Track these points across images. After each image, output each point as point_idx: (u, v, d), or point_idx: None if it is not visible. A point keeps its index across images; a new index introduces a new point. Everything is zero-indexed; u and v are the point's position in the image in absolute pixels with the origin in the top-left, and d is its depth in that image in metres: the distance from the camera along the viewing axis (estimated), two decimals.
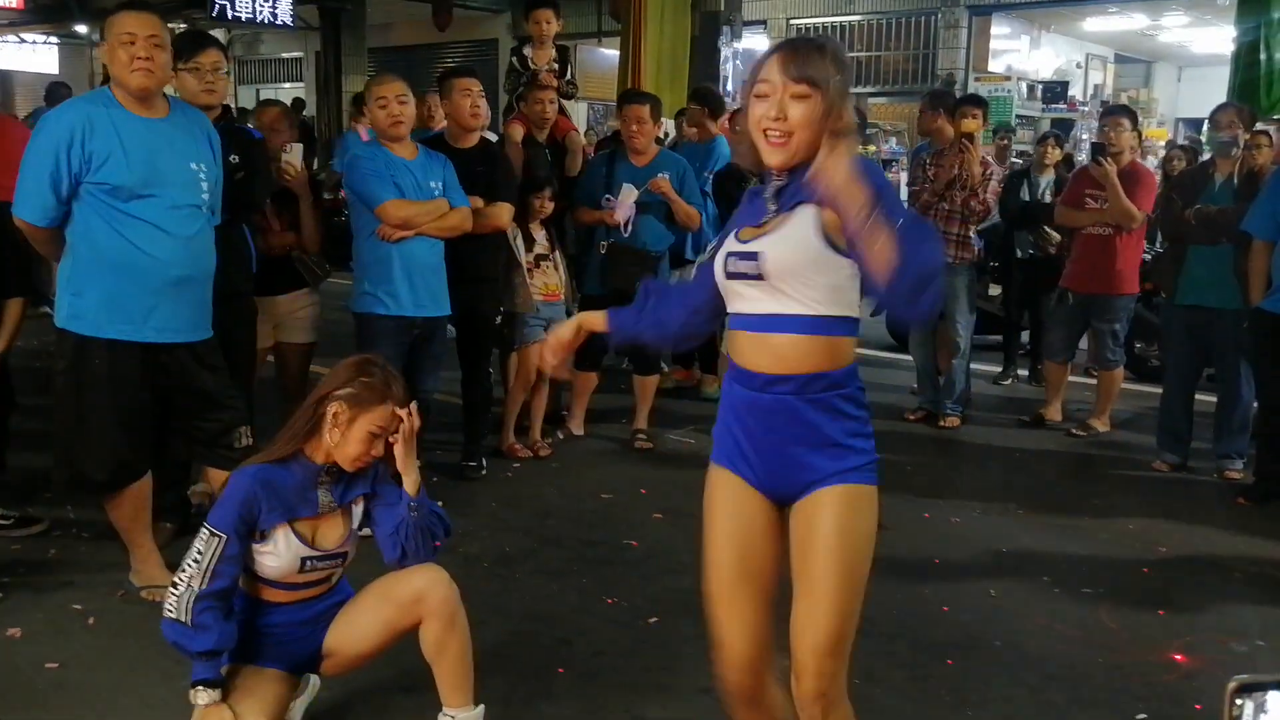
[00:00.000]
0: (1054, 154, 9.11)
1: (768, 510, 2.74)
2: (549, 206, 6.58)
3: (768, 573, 2.76)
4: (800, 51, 2.53)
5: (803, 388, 2.60)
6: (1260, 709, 1.62)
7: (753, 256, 2.58)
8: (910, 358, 8.41)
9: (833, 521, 2.62)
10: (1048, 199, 8.85)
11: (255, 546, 3.25)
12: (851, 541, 2.62)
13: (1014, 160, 11.00)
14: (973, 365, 7.98)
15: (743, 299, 2.65)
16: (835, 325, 2.59)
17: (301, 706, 3.56)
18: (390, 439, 3.32)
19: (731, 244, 2.67)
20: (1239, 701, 1.62)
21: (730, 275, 2.65)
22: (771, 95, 2.53)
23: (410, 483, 3.33)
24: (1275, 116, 9.83)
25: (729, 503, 2.77)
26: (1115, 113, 7.75)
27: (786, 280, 2.56)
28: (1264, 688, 1.63)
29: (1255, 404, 6.66)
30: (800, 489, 2.67)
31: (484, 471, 6.33)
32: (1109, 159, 7.13)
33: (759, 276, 2.58)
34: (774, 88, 2.52)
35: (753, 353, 2.65)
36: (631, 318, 2.99)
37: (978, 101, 7.78)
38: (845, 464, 2.64)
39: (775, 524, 2.75)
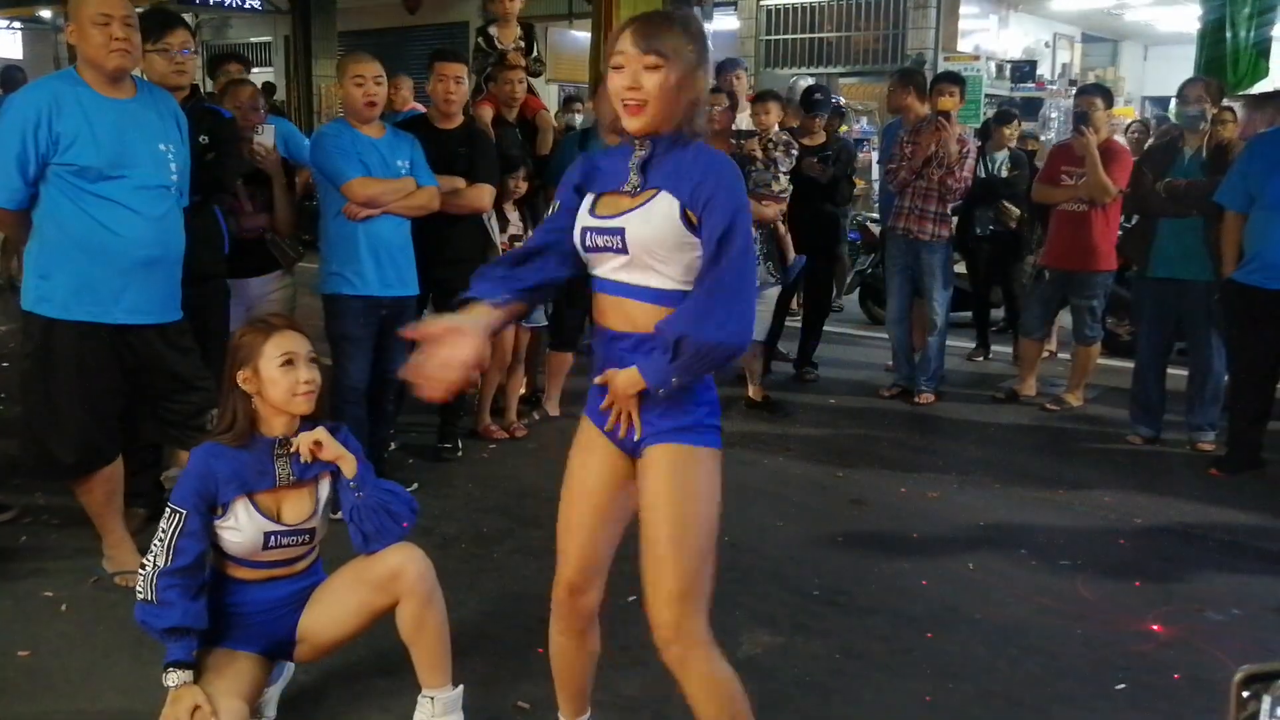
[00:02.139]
0: (1012, 133, 9.12)
1: (616, 458, 2.89)
2: (523, 187, 6.54)
3: (609, 509, 2.93)
4: (651, 24, 2.67)
5: (637, 344, 2.72)
6: (1279, 702, 1.51)
7: (617, 233, 2.70)
8: (885, 335, 8.43)
9: (661, 480, 2.76)
10: (1003, 174, 8.88)
11: (217, 522, 3.22)
12: (681, 499, 2.75)
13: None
14: (947, 342, 7.98)
15: (603, 265, 2.76)
16: (684, 298, 2.72)
17: (276, 693, 3.53)
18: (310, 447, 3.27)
19: (588, 218, 2.77)
20: (1247, 694, 1.50)
21: (589, 249, 2.76)
22: (626, 66, 2.64)
23: (346, 467, 3.29)
24: (1241, 93, 9.89)
25: (583, 446, 2.95)
26: (1089, 91, 7.78)
27: (647, 257, 2.68)
28: (1277, 677, 1.52)
29: (1226, 376, 6.68)
30: (635, 445, 2.83)
31: (460, 453, 6.32)
32: (1091, 129, 7.14)
33: (622, 250, 2.69)
34: (628, 59, 2.64)
35: (611, 313, 2.78)
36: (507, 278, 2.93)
37: (954, 79, 7.77)
38: (673, 423, 2.77)
39: (622, 471, 2.89)
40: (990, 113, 12.25)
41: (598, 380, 2.81)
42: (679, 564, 2.73)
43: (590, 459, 2.92)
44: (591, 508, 2.93)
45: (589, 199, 2.80)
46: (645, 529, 2.78)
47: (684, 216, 2.65)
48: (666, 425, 2.76)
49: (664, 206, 2.66)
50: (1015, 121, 9.35)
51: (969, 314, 9.67)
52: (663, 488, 2.75)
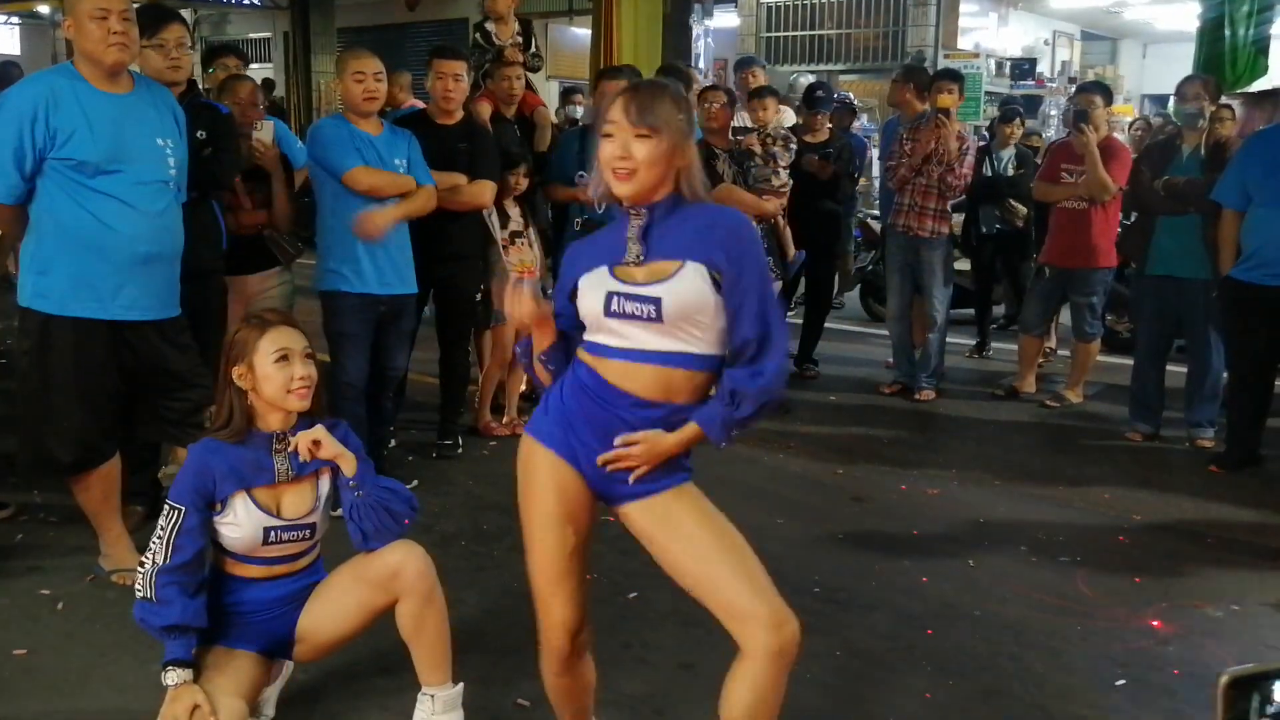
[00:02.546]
0: (1015, 131, 9.10)
1: (587, 493, 2.88)
2: (524, 183, 6.52)
3: (585, 549, 2.93)
4: (641, 96, 2.72)
5: (670, 414, 2.76)
6: (1267, 700, 1.54)
7: (652, 301, 2.69)
8: (885, 331, 8.43)
9: (692, 513, 2.81)
10: (1009, 173, 8.87)
11: (216, 518, 3.22)
12: (710, 522, 2.80)
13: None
14: (948, 339, 7.97)
15: (620, 336, 2.75)
16: (718, 362, 2.78)
17: (275, 692, 3.51)
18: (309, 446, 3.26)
19: (612, 282, 2.75)
20: (1235, 695, 1.53)
21: (613, 314, 2.74)
22: (617, 135, 2.70)
23: (345, 465, 3.28)
24: (1239, 91, 9.89)
25: (553, 486, 2.87)
26: (1088, 89, 7.77)
27: (684, 324, 2.71)
28: (1262, 679, 1.55)
29: (1225, 373, 6.68)
30: (630, 493, 2.83)
31: (460, 450, 6.31)
32: (1091, 127, 7.13)
33: (656, 319, 2.69)
34: (619, 129, 2.70)
35: (628, 379, 2.76)
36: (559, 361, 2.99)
37: (954, 76, 7.77)
38: (679, 472, 2.85)
39: (586, 500, 2.89)
40: (993, 110, 12.25)
41: (621, 440, 2.76)
42: (746, 565, 2.73)
43: (565, 498, 2.87)
44: (579, 550, 2.91)
45: (603, 269, 2.78)
46: (694, 565, 2.76)
47: (712, 281, 2.68)
48: (672, 475, 2.83)
49: (695, 276, 2.68)
50: (1019, 119, 9.33)
51: (969, 311, 9.67)
52: (694, 524, 2.79)
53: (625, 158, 2.68)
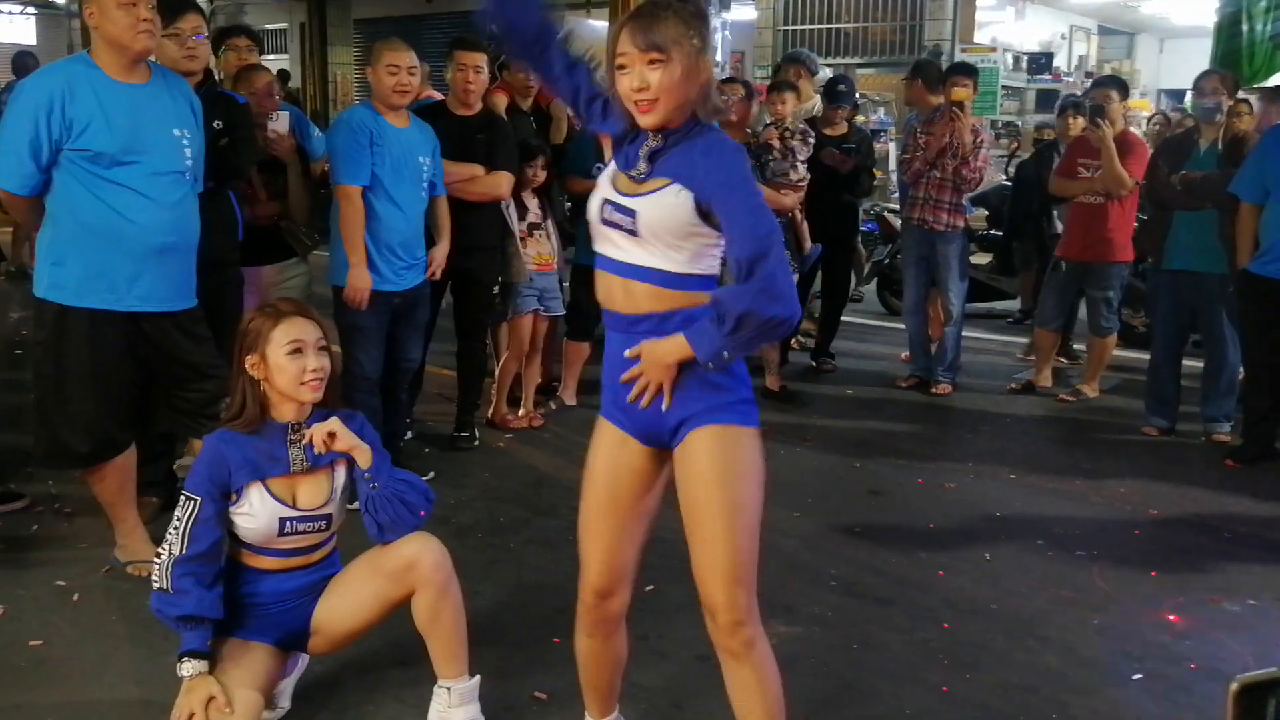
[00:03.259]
0: (1076, 124, 8.89)
1: (641, 455, 2.87)
2: (542, 175, 6.51)
3: (633, 511, 2.92)
4: (645, 19, 2.63)
5: (660, 323, 2.71)
6: None
7: (629, 212, 2.70)
8: (902, 325, 8.41)
9: (707, 461, 2.73)
10: None
11: (232, 509, 3.22)
12: (730, 479, 2.73)
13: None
14: (964, 332, 7.95)
15: (612, 244, 2.76)
16: (691, 281, 2.72)
17: (291, 684, 3.52)
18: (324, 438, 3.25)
19: (609, 190, 2.77)
20: (1247, 701, 1.50)
21: (605, 221, 2.76)
22: (630, 66, 2.63)
23: (361, 457, 3.27)
24: (1257, 85, 9.85)
25: (603, 450, 2.91)
26: (1104, 84, 7.72)
27: (656, 240, 2.68)
28: (1275, 685, 1.50)
29: (1241, 367, 6.67)
30: (671, 431, 2.78)
31: (477, 442, 6.31)
32: (1107, 122, 7.10)
33: (634, 232, 2.69)
34: (631, 59, 2.63)
35: (620, 295, 2.77)
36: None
37: (968, 70, 7.73)
38: (711, 402, 2.74)
39: (647, 468, 2.89)
40: (1012, 104, 12.18)
41: (629, 353, 2.75)
42: (734, 545, 2.72)
43: (611, 460, 2.89)
44: (615, 511, 2.90)
45: (610, 171, 2.81)
46: (694, 513, 2.75)
47: (697, 208, 2.64)
48: (705, 405, 2.73)
49: (675, 196, 2.64)
50: (1071, 110, 9.11)
51: (986, 305, 9.64)
52: (711, 469, 2.72)
53: (643, 89, 2.62)
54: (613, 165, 2.82)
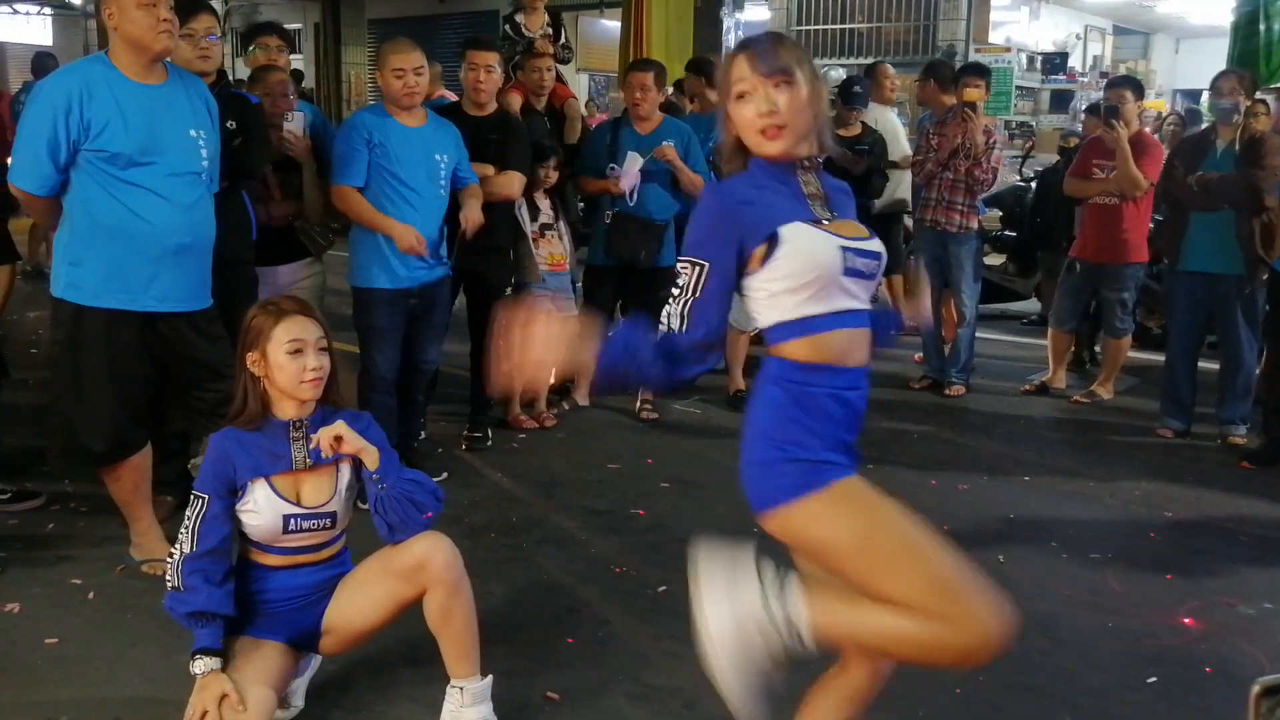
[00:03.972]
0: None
1: None
2: (554, 176, 6.52)
3: None
4: (760, 47, 2.55)
5: (864, 379, 2.58)
6: None
7: (875, 255, 2.57)
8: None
9: None
10: None
11: (237, 506, 3.24)
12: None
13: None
14: (977, 334, 7.94)
15: (849, 296, 2.53)
16: None
17: (304, 683, 3.53)
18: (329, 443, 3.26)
19: (836, 239, 2.50)
20: (1269, 703, 1.51)
21: (848, 271, 2.51)
22: (754, 92, 2.52)
23: (368, 459, 3.27)
24: (1275, 85, 9.81)
25: (875, 495, 2.58)
26: (1119, 84, 7.69)
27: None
28: None
29: (1257, 369, 6.64)
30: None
31: (490, 443, 6.31)
32: (1121, 123, 7.09)
33: (873, 275, 2.57)
34: (753, 84, 2.52)
35: (859, 350, 2.56)
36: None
37: (980, 70, 7.72)
38: None
39: None
40: (1026, 104, 12.13)
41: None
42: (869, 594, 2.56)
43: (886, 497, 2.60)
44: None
45: (800, 227, 2.48)
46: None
47: None
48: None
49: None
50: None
51: (999, 306, 9.62)
52: None
53: (772, 112, 2.49)
54: (792, 224, 2.47)
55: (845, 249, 2.49)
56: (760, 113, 2.51)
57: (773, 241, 2.45)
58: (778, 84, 2.50)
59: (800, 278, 2.46)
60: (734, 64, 2.56)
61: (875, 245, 2.58)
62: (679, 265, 2.51)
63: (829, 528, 2.49)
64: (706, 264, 2.46)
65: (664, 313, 2.49)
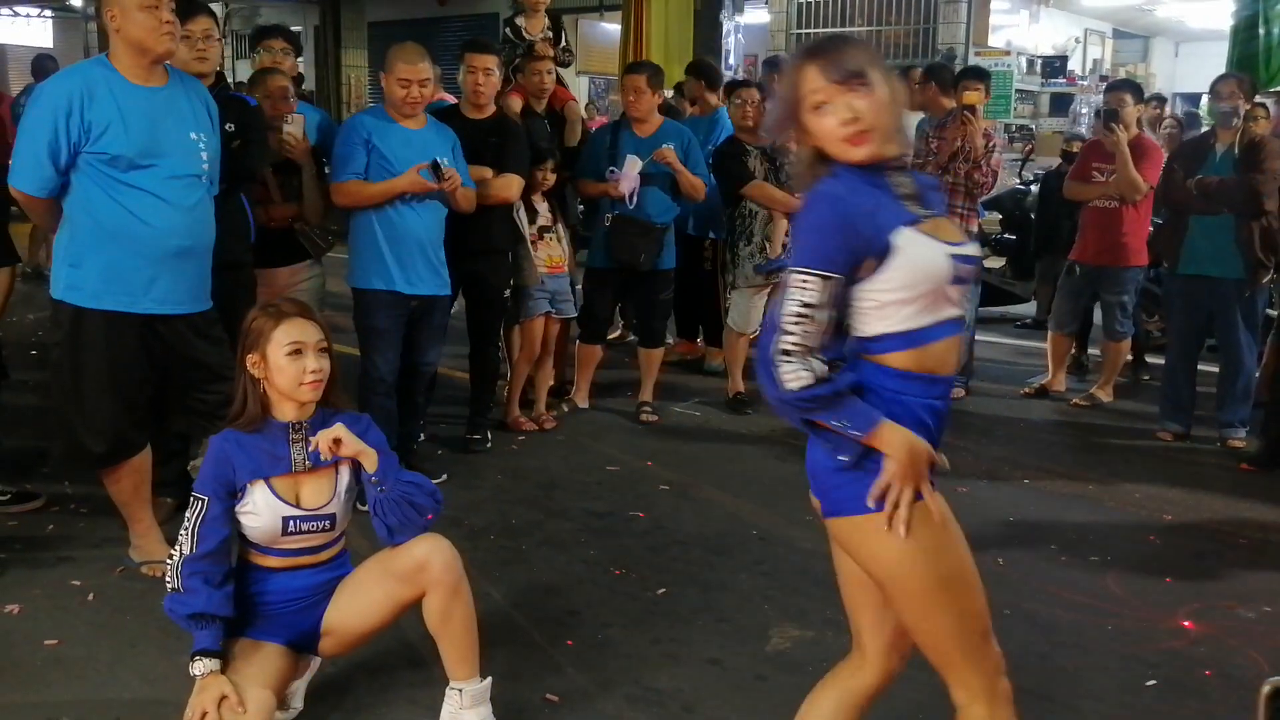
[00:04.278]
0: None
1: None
2: (551, 178, 6.52)
3: None
4: (828, 53, 2.44)
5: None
6: None
7: (974, 260, 2.52)
8: None
9: None
10: None
11: (237, 507, 3.24)
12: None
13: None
14: (976, 337, 7.94)
15: (951, 303, 2.48)
16: None
17: (303, 685, 3.53)
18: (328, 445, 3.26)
19: (942, 245, 2.44)
20: (1277, 706, 1.51)
21: (956, 278, 2.45)
22: (831, 101, 2.41)
23: (367, 462, 3.27)
24: (1274, 89, 9.82)
25: (949, 525, 2.56)
26: (1118, 87, 7.68)
27: None
28: None
29: (1256, 373, 6.65)
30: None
31: (489, 445, 6.31)
32: (1120, 127, 7.09)
33: (972, 281, 2.54)
34: (829, 93, 2.41)
35: (952, 356, 2.52)
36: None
37: (979, 74, 7.71)
38: None
39: None
40: (1026, 107, 12.10)
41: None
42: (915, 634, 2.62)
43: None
44: None
45: (907, 233, 2.40)
46: None
47: None
48: None
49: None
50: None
51: (999, 309, 9.62)
52: None
53: (855, 119, 2.39)
54: (907, 231, 2.40)
55: (953, 256, 2.44)
56: (843, 120, 2.41)
57: (886, 250, 2.37)
58: (854, 89, 2.40)
59: (914, 289, 2.39)
60: (803, 74, 2.45)
61: (974, 249, 2.53)
62: (799, 277, 2.37)
63: (891, 547, 2.47)
64: (839, 277, 2.36)
65: (792, 330, 2.35)
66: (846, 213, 2.39)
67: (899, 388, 2.43)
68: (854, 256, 2.37)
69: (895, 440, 2.40)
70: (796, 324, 2.35)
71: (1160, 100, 11.34)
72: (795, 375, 2.34)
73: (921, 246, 2.40)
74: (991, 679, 2.55)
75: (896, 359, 2.43)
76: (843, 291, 2.38)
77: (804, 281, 2.36)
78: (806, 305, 2.35)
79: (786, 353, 2.34)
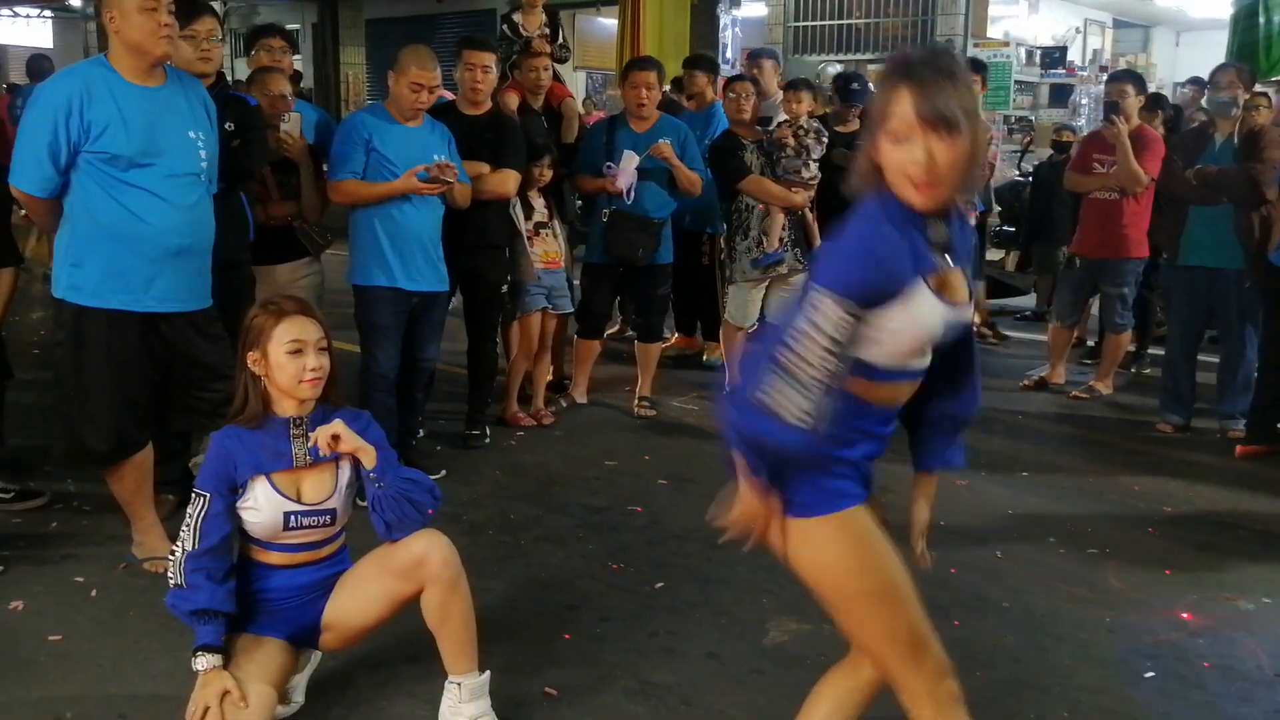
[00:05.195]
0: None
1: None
2: (548, 174, 6.53)
3: None
4: (930, 83, 2.24)
5: None
6: None
7: (964, 326, 2.50)
8: None
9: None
10: None
11: (238, 503, 3.25)
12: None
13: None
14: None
15: (922, 358, 2.45)
16: None
17: (304, 679, 3.54)
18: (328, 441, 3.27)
19: (945, 307, 2.37)
20: None
21: (937, 339, 2.43)
22: (911, 138, 2.25)
23: (366, 458, 3.29)
24: (1274, 78, 9.82)
25: (880, 533, 2.59)
26: (1120, 78, 7.65)
27: None
28: None
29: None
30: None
31: (488, 440, 6.32)
32: (1122, 118, 7.09)
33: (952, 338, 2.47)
34: (911, 129, 2.24)
35: (905, 393, 2.52)
36: None
37: (975, 66, 7.72)
38: None
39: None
40: (1023, 98, 12.10)
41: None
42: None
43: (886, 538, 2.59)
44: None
45: (918, 282, 2.31)
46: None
47: None
48: None
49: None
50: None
51: (999, 301, 9.62)
52: None
53: (930, 166, 2.24)
54: (920, 286, 2.31)
55: (947, 322, 2.38)
56: (915, 162, 2.25)
57: (897, 294, 2.28)
58: (939, 134, 2.23)
59: (898, 337, 2.33)
60: (895, 94, 2.28)
61: (967, 315, 2.47)
62: (820, 297, 2.26)
63: (827, 552, 2.53)
64: (856, 306, 2.26)
65: (800, 351, 2.25)
66: (884, 254, 2.30)
67: (842, 410, 2.34)
68: (874, 290, 2.27)
69: (749, 496, 2.44)
70: (805, 345, 2.25)
71: (1157, 102, 11.35)
72: (791, 403, 2.26)
73: (926, 305, 2.31)
74: (932, 683, 2.53)
75: (849, 384, 2.35)
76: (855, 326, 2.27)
77: (824, 302, 2.25)
78: (816, 329, 2.24)
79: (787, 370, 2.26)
